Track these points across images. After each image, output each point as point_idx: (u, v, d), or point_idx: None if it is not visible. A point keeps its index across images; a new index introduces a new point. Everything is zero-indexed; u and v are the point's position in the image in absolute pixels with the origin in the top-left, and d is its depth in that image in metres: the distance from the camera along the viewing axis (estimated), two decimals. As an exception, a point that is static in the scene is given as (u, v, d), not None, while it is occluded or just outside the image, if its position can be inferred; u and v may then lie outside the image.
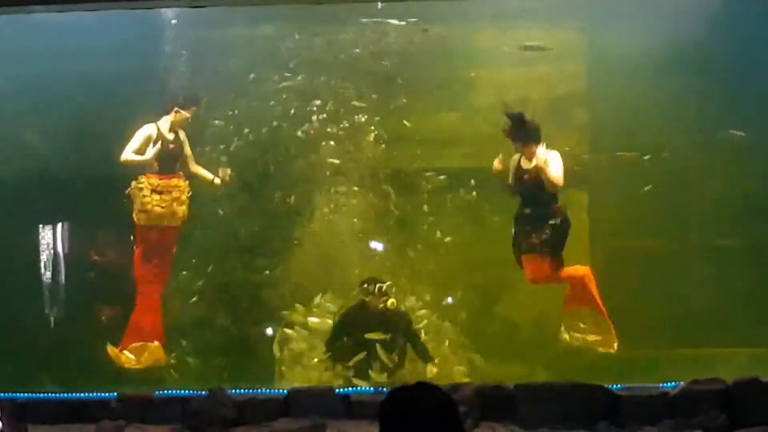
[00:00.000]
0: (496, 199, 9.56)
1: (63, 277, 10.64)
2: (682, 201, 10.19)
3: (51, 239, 10.67)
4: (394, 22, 10.37)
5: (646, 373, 8.91)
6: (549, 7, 10.00)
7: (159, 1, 9.19)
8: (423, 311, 9.85)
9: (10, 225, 10.38)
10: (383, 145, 10.37)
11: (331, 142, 10.37)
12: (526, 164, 9.07)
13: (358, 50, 10.49)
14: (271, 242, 10.42)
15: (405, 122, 10.40)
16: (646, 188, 10.00)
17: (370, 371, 9.07)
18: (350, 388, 8.63)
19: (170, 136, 9.73)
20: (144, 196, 9.53)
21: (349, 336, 9.32)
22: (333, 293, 9.85)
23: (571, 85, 10.46)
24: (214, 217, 10.45)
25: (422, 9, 10.28)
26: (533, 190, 9.00)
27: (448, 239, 10.27)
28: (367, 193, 10.25)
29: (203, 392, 8.15)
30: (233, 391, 8.37)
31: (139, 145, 9.57)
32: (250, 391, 8.66)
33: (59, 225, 10.71)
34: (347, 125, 10.42)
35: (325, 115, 10.44)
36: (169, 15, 10.21)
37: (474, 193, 10.21)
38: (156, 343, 9.49)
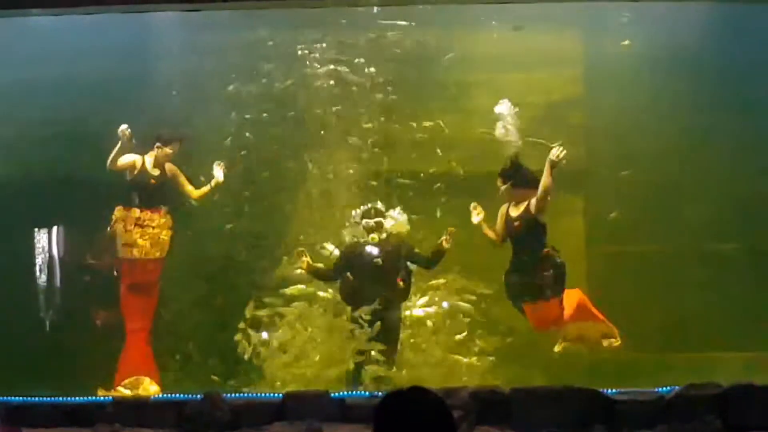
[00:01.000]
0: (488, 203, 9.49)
1: (58, 280, 10.62)
2: (678, 205, 10.20)
3: (45, 243, 10.65)
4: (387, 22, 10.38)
5: (642, 377, 8.90)
6: (546, 12, 9.99)
7: (154, 5, 9.17)
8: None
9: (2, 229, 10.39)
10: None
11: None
12: (514, 212, 9.10)
13: (353, 53, 10.44)
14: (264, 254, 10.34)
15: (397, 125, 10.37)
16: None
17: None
18: (345, 392, 8.62)
19: (154, 172, 9.74)
20: (126, 230, 9.59)
21: (352, 269, 9.43)
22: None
23: (568, 90, 10.47)
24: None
25: (418, 12, 10.30)
26: (523, 237, 9.04)
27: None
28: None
29: (198, 396, 8.15)
30: (228, 395, 8.38)
31: (121, 163, 9.63)
32: (246, 395, 8.66)
33: (53, 228, 10.68)
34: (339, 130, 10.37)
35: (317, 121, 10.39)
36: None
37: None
38: (148, 379, 9.43)
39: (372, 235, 9.47)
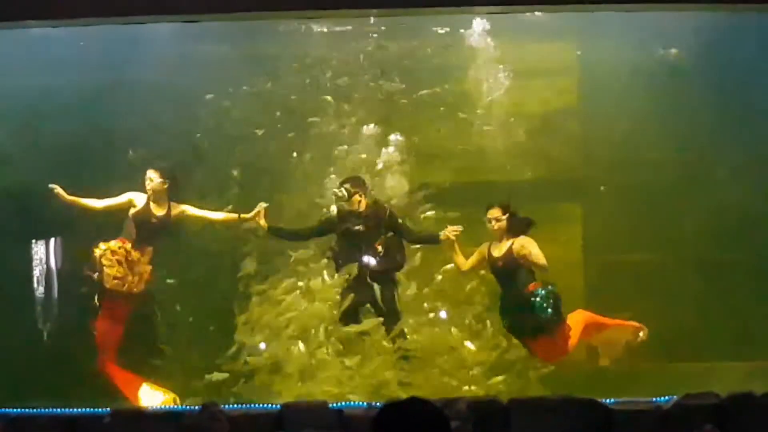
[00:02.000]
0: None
1: (56, 291, 10.62)
2: (676, 214, 10.22)
3: (43, 254, 10.65)
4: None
5: (640, 387, 8.91)
6: (542, 22, 10.02)
7: (151, 16, 9.19)
8: None
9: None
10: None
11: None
12: (497, 252, 9.10)
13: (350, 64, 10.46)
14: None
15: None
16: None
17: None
18: (343, 403, 8.62)
19: (157, 211, 9.70)
20: (110, 266, 9.58)
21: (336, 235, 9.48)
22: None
23: (564, 99, 10.49)
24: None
25: (414, 22, 10.32)
26: (510, 274, 9.04)
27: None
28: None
29: (196, 407, 8.14)
30: (226, 405, 8.37)
31: (115, 203, 9.64)
32: (244, 405, 8.65)
33: (51, 240, 10.69)
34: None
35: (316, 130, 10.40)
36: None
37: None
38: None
39: (345, 203, 9.41)
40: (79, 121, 10.40)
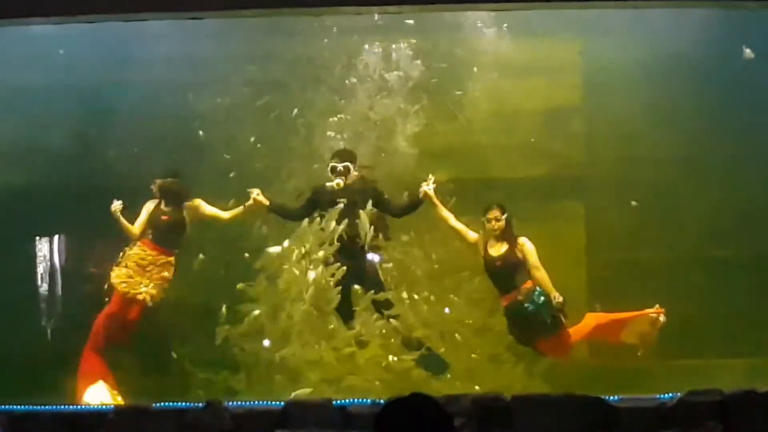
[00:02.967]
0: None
1: (59, 288, 10.64)
2: (679, 212, 10.21)
3: (46, 251, 10.66)
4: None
5: (643, 384, 8.91)
6: (545, 19, 10.01)
7: (154, 13, 9.17)
8: None
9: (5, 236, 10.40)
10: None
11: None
12: (494, 251, 9.13)
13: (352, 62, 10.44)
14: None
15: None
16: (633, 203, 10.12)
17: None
18: (347, 400, 8.62)
19: (165, 208, 9.75)
20: (133, 267, 9.64)
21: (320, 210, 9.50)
22: None
23: (566, 97, 10.48)
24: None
25: (415, 18, 10.31)
26: (508, 275, 9.10)
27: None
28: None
29: (200, 404, 8.15)
30: (230, 402, 8.37)
31: (142, 220, 9.71)
32: (247, 403, 8.65)
33: (54, 237, 10.70)
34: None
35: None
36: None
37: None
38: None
39: (337, 181, 9.46)
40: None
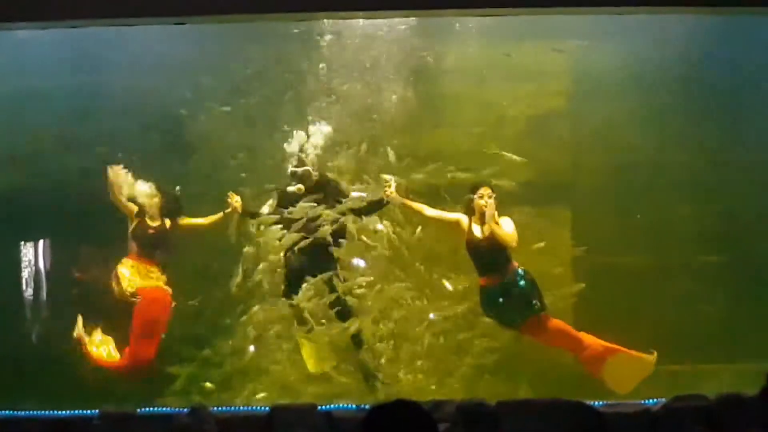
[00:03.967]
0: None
1: (45, 293, 10.60)
2: (666, 217, 10.24)
3: (32, 255, 10.63)
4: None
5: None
6: (533, 25, 10.02)
7: (142, 18, 9.15)
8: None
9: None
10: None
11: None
12: (480, 233, 9.14)
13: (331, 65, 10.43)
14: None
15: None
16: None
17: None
18: (333, 405, 8.63)
19: (152, 222, 9.72)
20: (129, 279, 9.62)
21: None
22: None
23: (553, 102, 10.49)
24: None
25: (405, 23, 10.31)
26: (488, 258, 9.12)
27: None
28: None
29: (185, 409, 8.13)
30: (215, 408, 8.36)
31: (125, 202, 9.67)
32: (233, 408, 8.64)
33: (40, 241, 10.66)
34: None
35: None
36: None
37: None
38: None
39: (298, 185, 9.49)
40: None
